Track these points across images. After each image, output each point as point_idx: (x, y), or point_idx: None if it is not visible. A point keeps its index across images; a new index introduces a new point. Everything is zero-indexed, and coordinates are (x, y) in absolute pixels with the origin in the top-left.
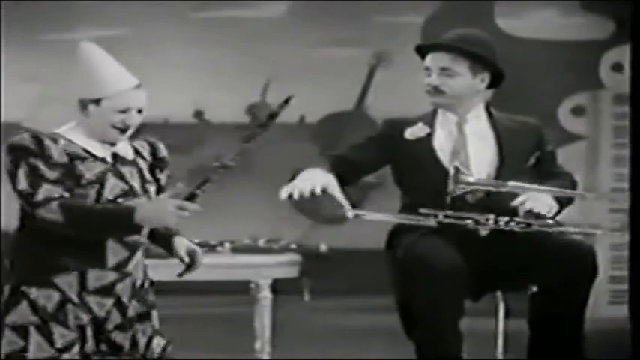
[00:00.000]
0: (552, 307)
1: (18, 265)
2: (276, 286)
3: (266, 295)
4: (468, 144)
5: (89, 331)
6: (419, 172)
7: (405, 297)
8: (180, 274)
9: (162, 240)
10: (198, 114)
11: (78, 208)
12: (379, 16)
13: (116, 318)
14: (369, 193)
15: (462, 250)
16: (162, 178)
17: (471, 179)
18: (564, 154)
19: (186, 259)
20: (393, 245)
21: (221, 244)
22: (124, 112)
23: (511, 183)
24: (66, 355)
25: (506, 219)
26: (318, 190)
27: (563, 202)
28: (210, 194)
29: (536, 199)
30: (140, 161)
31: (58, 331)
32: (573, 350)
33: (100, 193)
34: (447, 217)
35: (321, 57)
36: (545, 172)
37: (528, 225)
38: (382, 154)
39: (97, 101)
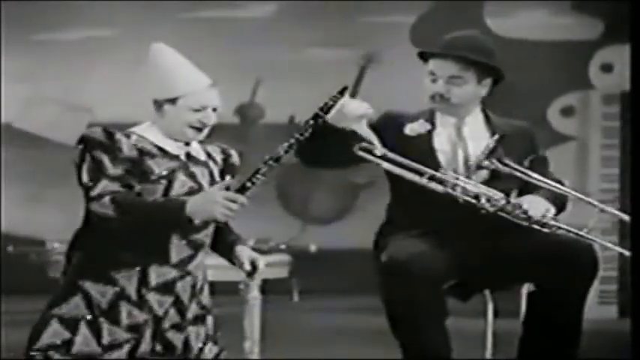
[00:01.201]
0: (551, 305)
1: (77, 260)
2: (265, 287)
3: (255, 295)
4: (468, 147)
5: (147, 332)
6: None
7: (389, 299)
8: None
9: (223, 248)
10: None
11: (129, 201)
12: (369, 17)
13: (174, 317)
14: (360, 193)
15: (453, 250)
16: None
17: (486, 163)
18: (554, 155)
19: (248, 268)
20: (379, 247)
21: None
22: (199, 110)
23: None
24: (113, 355)
25: (514, 202)
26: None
27: (559, 208)
28: None
29: (534, 203)
30: (211, 163)
31: (107, 327)
32: (569, 351)
33: (167, 189)
34: (466, 183)
35: (310, 57)
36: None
37: (529, 217)
38: (381, 142)
39: (173, 101)
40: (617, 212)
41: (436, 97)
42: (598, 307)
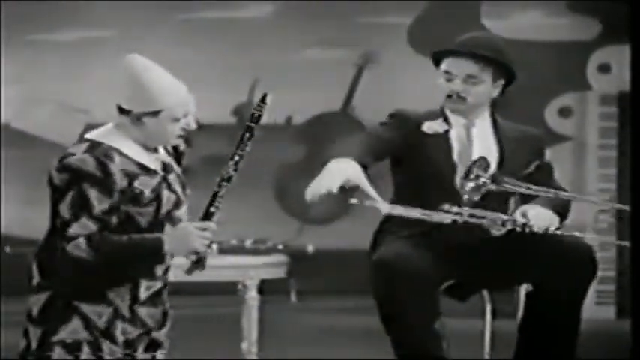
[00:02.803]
0: (549, 306)
1: (68, 279)
2: (263, 287)
3: (253, 295)
4: (474, 147)
5: (141, 346)
6: (431, 168)
7: (379, 299)
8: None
9: None
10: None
11: (106, 243)
12: (366, 17)
13: (162, 323)
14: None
15: (451, 251)
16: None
17: (509, 180)
18: (551, 155)
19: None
20: (375, 246)
21: (208, 245)
22: (178, 120)
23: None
24: None
25: (522, 221)
26: (348, 184)
27: (563, 215)
28: (197, 195)
29: (539, 217)
30: (173, 163)
31: (107, 347)
32: (566, 351)
33: (157, 209)
34: (471, 215)
35: (307, 58)
36: (542, 183)
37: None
38: (398, 140)
39: (155, 113)
40: (622, 207)
41: (454, 96)
42: (595, 307)
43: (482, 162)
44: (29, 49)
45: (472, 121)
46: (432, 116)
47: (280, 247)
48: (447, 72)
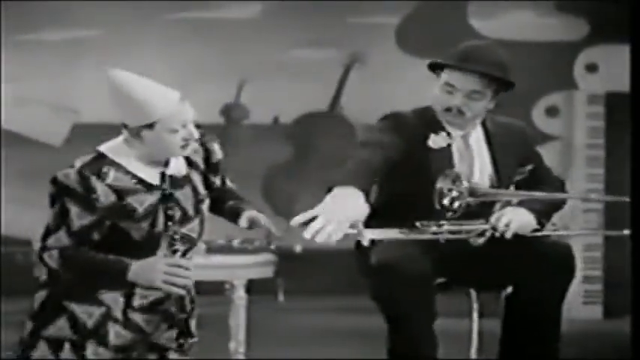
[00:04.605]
0: (529, 307)
1: (64, 279)
2: (251, 287)
3: (241, 295)
4: (474, 158)
5: (136, 352)
6: (432, 180)
7: (377, 301)
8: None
9: (230, 216)
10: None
11: (76, 259)
12: (354, 17)
13: (163, 328)
14: None
15: (435, 252)
16: (217, 181)
17: (487, 189)
18: None
19: (245, 225)
20: (362, 247)
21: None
22: (176, 130)
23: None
24: None
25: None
26: (352, 230)
27: (548, 213)
28: None
29: (514, 218)
30: (194, 174)
31: (92, 349)
32: (549, 352)
33: (153, 225)
34: (450, 232)
35: (295, 58)
36: (538, 182)
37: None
38: (401, 145)
39: (150, 126)
40: (624, 199)
41: (453, 110)
42: (583, 307)
43: (452, 174)
44: (17, 49)
45: (469, 132)
46: (423, 118)
47: (270, 246)
48: (448, 84)
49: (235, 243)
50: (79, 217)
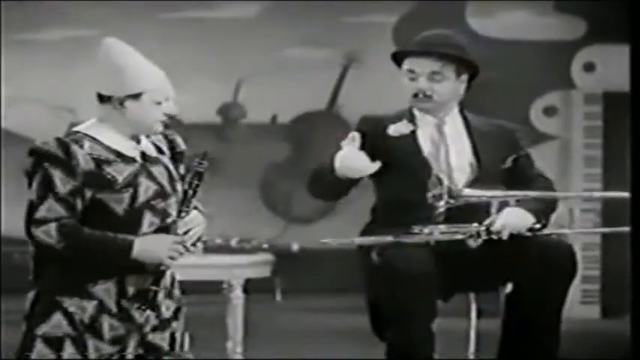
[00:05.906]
0: (529, 306)
1: (51, 275)
2: (248, 286)
3: (238, 294)
4: (450, 146)
5: (132, 342)
6: (403, 170)
7: (377, 300)
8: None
9: None
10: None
11: (77, 235)
12: (351, 17)
13: (152, 320)
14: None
15: (434, 251)
16: (182, 172)
17: (467, 191)
18: (536, 154)
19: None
20: (363, 247)
21: (193, 244)
22: (160, 103)
23: (512, 192)
24: None
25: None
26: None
27: (546, 213)
28: None
29: (510, 218)
30: (163, 158)
31: (92, 343)
32: (548, 351)
33: (134, 197)
34: (441, 232)
35: (293, 57)
36: (524, 176)
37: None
38: (366, 151)
39: (136, 96)
40: (624, 194)
41: (419, 95)
42: (580, 306)
43: (434, 179)
44: (13, 49)
45: (442, 119)
46: (401, 116)
47: (265, 246)
48: (410, 71)
49: (233, 242)
50: (63, 183)
